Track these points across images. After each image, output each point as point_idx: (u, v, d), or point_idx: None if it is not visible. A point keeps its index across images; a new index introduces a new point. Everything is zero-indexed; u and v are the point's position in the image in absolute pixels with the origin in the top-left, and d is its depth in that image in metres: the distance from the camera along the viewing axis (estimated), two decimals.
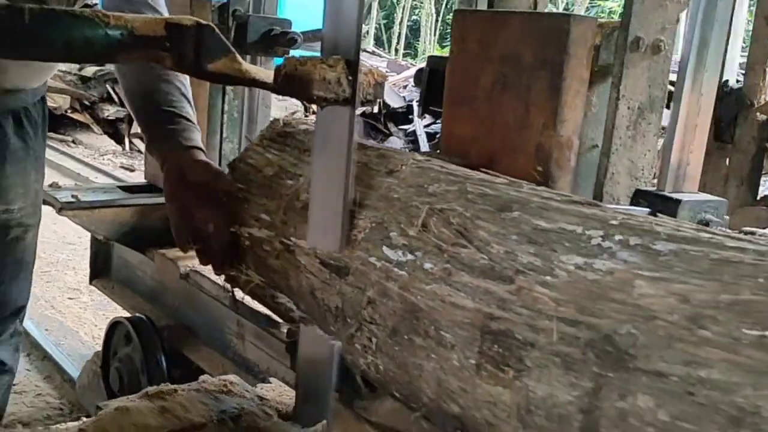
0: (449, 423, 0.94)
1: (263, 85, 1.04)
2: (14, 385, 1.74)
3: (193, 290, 1.89)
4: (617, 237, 0.82)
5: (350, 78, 0.96)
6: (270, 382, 1.32)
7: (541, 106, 1.14)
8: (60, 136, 8.61)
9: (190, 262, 1.93)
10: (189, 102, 1.44)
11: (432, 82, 1.61)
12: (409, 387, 0.97)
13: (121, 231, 1.96)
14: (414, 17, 25.19)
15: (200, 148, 1.40)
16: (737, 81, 3.85)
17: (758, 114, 3.64)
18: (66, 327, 3.35)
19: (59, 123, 8.59)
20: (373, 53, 16.84)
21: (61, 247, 4.43)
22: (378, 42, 24.13)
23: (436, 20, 24.21)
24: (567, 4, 22.67)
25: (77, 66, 8.68)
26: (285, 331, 1.57)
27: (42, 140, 1.60)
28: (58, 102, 8.61)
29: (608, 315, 0.76)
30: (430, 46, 23.81)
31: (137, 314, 2.00)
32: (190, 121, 1.42)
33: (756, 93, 3.66)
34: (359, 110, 1.04)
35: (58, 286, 3.91)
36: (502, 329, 0.84)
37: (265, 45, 1.89)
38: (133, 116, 1.51)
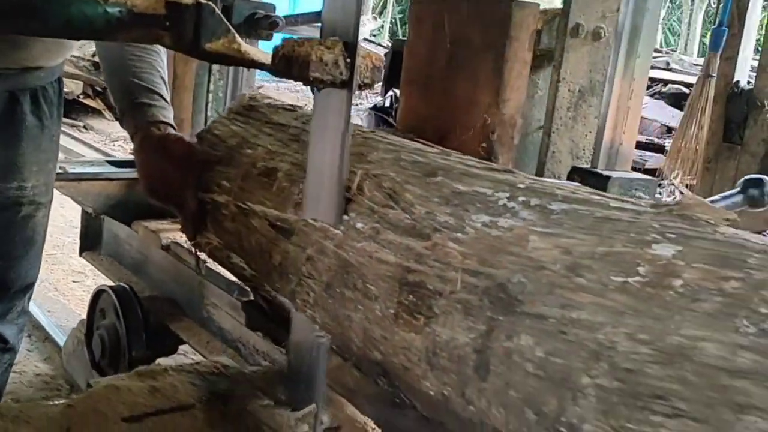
0: (373, 370, 1.03)
1: (261, 65, 1.05)
2: (14, 364, 1.78)
3: (173, 262, 1.98)
4: (521, 198, 0.90)
5: (348, 60, 0.95)
6: (262, 365, 1.37)
7: (486, 86, 1.22)
8: (72, 121, 8.69)
9: (172, 234, 2.01)
10: (164, 81, 1.52)
11: (394, 63, 1.69)
12: (341, 338, 1.05)
13: (107, 204, 2.05)
14: None
15: (172, 125, 1.47)
16: (748, 82, 3.88)
17: None
18: (69, 309, 3.35)
19: (71, 108, 8.67)
20: (386, 47, 16.89)
21: (67, 231, 4.49)
22: (393, 36, 24.15)
23: None
24: None
25: (90, 51, 8.79)
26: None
27: (57, 120, 1.62)
28: (71, 87, 8.71)
29: (504, 266, 0.84)
30: None
31: (120, 284, 2.09)
32: (165, 99, 1.49)
33: (767, 94, 3.70)
34: (369, 102, 1.08)
35: (63, 269, 3.93)
36: (417, 281, 0.92)
37: (249, 28, 1.98)
38: (109, 90, 1.56)
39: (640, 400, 0.67)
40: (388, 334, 0.95)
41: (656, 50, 14.67)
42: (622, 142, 1.30)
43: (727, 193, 1.19)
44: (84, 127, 9.21)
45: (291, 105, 1.31)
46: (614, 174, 1.28)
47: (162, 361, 2.16)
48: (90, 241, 2.41)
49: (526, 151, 1.44)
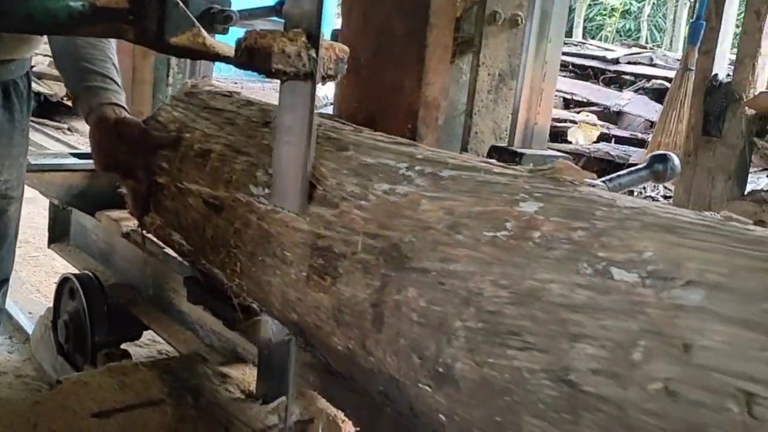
0: (292, 330, 1.10)
1: (226, 59, 1.05)
2: None
3: (135, 249, 2.05)
4: (417, 167, 0.98)
5: (311, 52, 0.95)
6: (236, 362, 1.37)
7: (410, 72, 1.30)
8: (56, 123, 8.69)
9: (133, 222, 2.08)
10: (116, 68, 1.57)
11: None
12: (264, 302, 1.13)
13: (71, 194, 2.12)
14: None
15: (126, 108, 1.51)
16: (727, 75, 3.88)
17: (747, 108, 3.67)
18: (50, 311, 3.39)
19: (55, 110, 8.64)
20: None
21: None
22: None
23: None
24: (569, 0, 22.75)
25: None
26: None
27: (27, 114, 1.62)
28: (54, 89, 8.73)
29: (399, 228, 0.92)
30: None
31: (85, 271, 2.16)
32: (117, 83, 1.53)
33: (745, 87, 3.69)
34: None
35: (45, 270, 3.88)
36: (325, 245, 1.00)
37: (205, 22, 2.04)
38: (61, 73, 1.59)
39: (499, 337, 0.75)
40: (302, 295, 1.03)
41: (641, 46, 14.67)
42: (537, 122, 1.38)
43: (634, 168, 1.27)
44: (68, 129, 9.19)
45: (228, 91, 1.39)
46: (528, 151, 1.37)
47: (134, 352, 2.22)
48: (58, 233, 2.47)
49: (453, 132, 1.52)
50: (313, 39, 0.95)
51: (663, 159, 1.25)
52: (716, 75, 3.87)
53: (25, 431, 1.09)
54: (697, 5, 5.47)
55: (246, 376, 1.34)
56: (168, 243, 1.38)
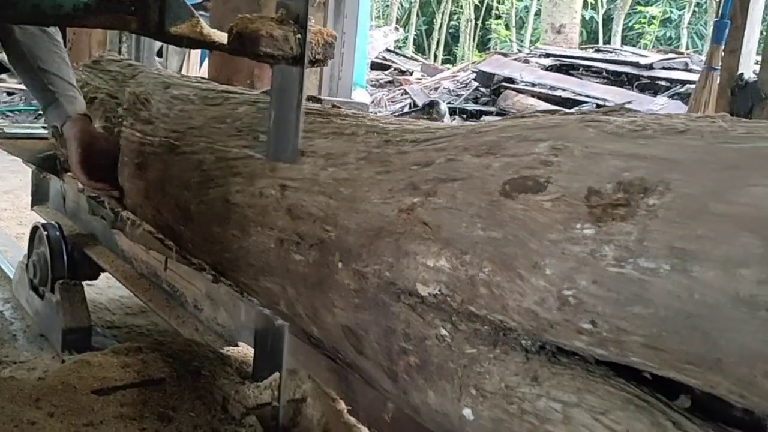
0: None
1: (221, 47, 1.09)
2: None
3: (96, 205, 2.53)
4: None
5: (298, 36, 0.97)
6: (237, 346, 1.38)
7: None
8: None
9: None
10: (69, 68, 1.70)
11: None
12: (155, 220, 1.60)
13: (39, 157, 2.60)
14: (453, 23, 25.68)
15: (89, 116, 1.67)
16: (753, 73, 3.83)
17: None
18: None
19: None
20: (410, 58, 17.31)
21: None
22: (418, 48, 24.71)
23: (475, 26, 24.71)
24: (608, 10, 22.75)
25: None
26: None
27: None
28: None
29: (182, 129, 1.38)
30: (469, 52, 24.29)
31: (51, 221, 2.63)
32: (80, 92, 1.69)
33: None
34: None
35: None
36: (144, 149, 1.46)
37: None
38: (26, 85, 1.70)
39: None
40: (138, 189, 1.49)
41: (677, 52, 14.61)
42: (341, 77, 1.83)
43: (412, 111, 1.70)
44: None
45: (120, 58, 1.87)
46: (333, 99, 1.81)
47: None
48: (39, 197, 2.96)
49: None
50: (301, 23, 0.99)
51: (433, 104, 1.68)
52: (742, 74, 3.83)
53: (28, 405, 1.11)
54: (722, 4, 5.06)
55: (247, 359, 1.34)
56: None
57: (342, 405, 1.09)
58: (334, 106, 1.22)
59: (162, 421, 1.05)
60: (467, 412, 0.81)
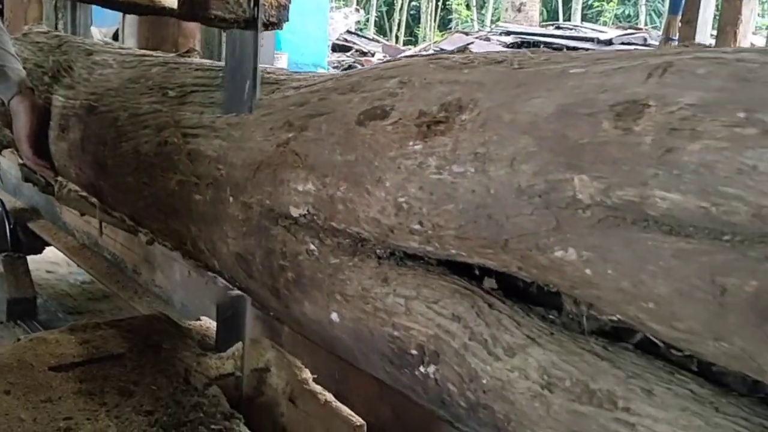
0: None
1: (171, 12, 1.07)
2: None
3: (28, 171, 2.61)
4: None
5: None
6: (200, 320, 1.38)
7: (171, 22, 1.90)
8: None
9: None
10: (10, 41, 1.74)
11: None
12: (92, 187, 1.69)
13: None
14: (414, 4, 25.75)
15: (32, 88, 1.65)
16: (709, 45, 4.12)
17: None
18: None
19: None
20: (372, 40, 17.34)
21: None
22: (380, 30, 24.80)
23: (436, 7, 24.86)
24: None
25: None
26: None
27: None
28: None
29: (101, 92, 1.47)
30: (430, 32, 24.47)
31: None
32: (20, 61, 1.71)
33: None
34: None
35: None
36: (68, 114, 1.55)
37: None
38: None
39: None
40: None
41: (636, 28, 14.94)
42: (262, 44, 1.95)
43: None
44: None
45: (48, 30, 1.95)
46: None
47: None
48: None
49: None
50: None
51: None
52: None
53: None
54: None
55: (209, 332, 1.33)
56: None
57: (307, 374, 1.10)
58: None
59: (123, 396, 1.04)
60: (334, 315, 0.93)
